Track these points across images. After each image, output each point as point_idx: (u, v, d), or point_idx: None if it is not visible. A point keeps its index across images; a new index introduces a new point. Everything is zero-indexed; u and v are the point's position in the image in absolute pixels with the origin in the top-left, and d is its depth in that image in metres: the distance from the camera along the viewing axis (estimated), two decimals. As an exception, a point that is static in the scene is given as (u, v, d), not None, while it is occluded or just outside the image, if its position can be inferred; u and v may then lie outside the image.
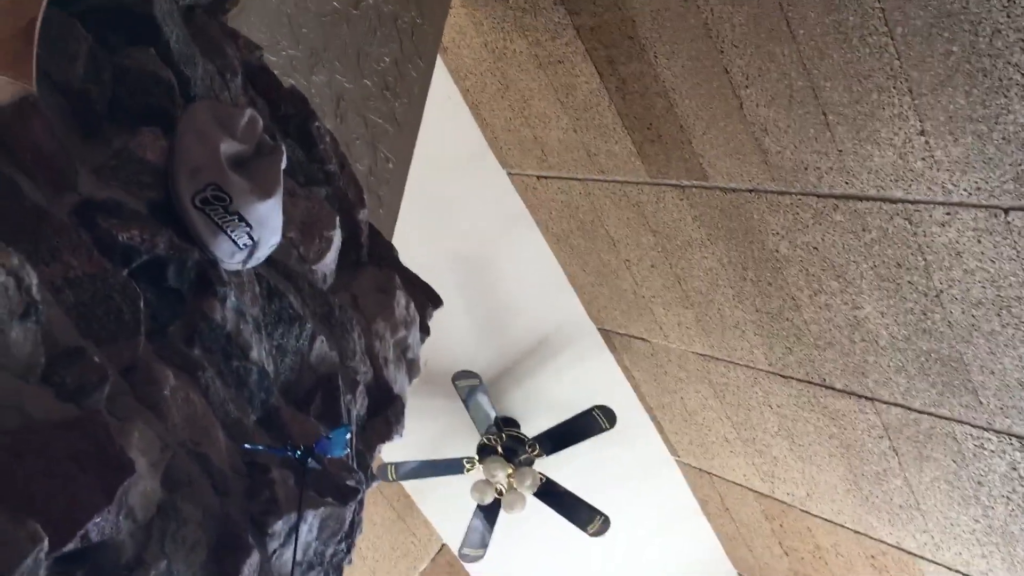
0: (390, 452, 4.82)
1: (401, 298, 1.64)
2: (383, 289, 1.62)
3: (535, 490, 4.23)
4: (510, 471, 4.21)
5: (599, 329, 4.10)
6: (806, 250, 2.80)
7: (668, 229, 3.23)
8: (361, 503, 1.28)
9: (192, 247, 1.14)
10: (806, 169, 2.57)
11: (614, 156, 3.15)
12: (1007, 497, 2.78)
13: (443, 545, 4.92)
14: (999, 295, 2.39)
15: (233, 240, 1.16)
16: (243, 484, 1.11)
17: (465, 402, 4.21)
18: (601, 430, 4.13)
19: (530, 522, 4.71)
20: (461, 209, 3.71)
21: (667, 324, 3.66)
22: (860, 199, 2.52)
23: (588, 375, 4.27)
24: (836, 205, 2.59)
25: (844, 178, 2.50)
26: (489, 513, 4.35)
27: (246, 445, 1.10)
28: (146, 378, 1.03)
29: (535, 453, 4.30)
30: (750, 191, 2.80)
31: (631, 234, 3.41)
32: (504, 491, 4.22)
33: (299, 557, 1.13)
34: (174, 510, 0.98)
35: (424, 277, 1.86)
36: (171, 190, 1.14)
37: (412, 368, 1.67)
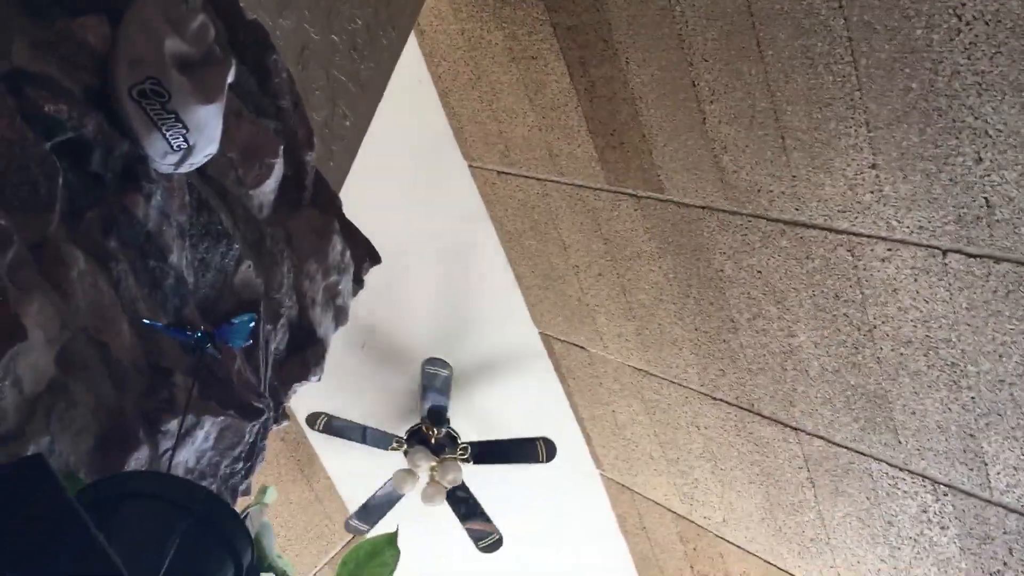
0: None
1: (337, 244, 1.63)
2: (320, 232, 1.61)
3: (451, 487, 4.21)
4: (434, 463, 4.18)
5: (540, 333, 4.10)
6: (750, 273, 2.83)
7: (620, 238, 3.25)
8: (265, 429, 1.26)
9: (123, 138, 1.12)
10: (759, 191, 2.61)
11: (575, 159, 3.17)
12: (914, 539, 2.82)
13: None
14: (928, 336, 2.43)
15: (167, 139, 1.14)
16: (143, 382, 1.08)
17: (424, 388, 4.19)
18: (537, 461, 4.11)
19: (436, 523, 4.66)
20: (414, 190, 3.70)
21: (607, 335, 3.67)
22: (807, 226, 2.55)
23: (523, 379, 4.27)
24: (783, 230, 2.63)
25: (794, 204, 2.54)
26: (394, 498, 4.32)
27: (145, 320, 1.07)
28: (55, 256, 1.00)
29: (462, 457, 4.27)
30: (703, 208, 2.83)
31: (583, 240, 3.42)
32: (426, 482, 4.19)
33: (192, 464, 1.10)
34: (64, 391, 0.95)
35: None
36: (109, 78, 1.12)
37: (340, 315, 1.65)
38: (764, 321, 2.89)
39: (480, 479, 4.48)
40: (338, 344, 1.78)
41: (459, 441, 4.29)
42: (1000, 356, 2.29)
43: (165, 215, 1.18)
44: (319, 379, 1.55)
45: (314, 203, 1.68)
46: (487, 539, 4.38)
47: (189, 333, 1.11)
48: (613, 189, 3.12)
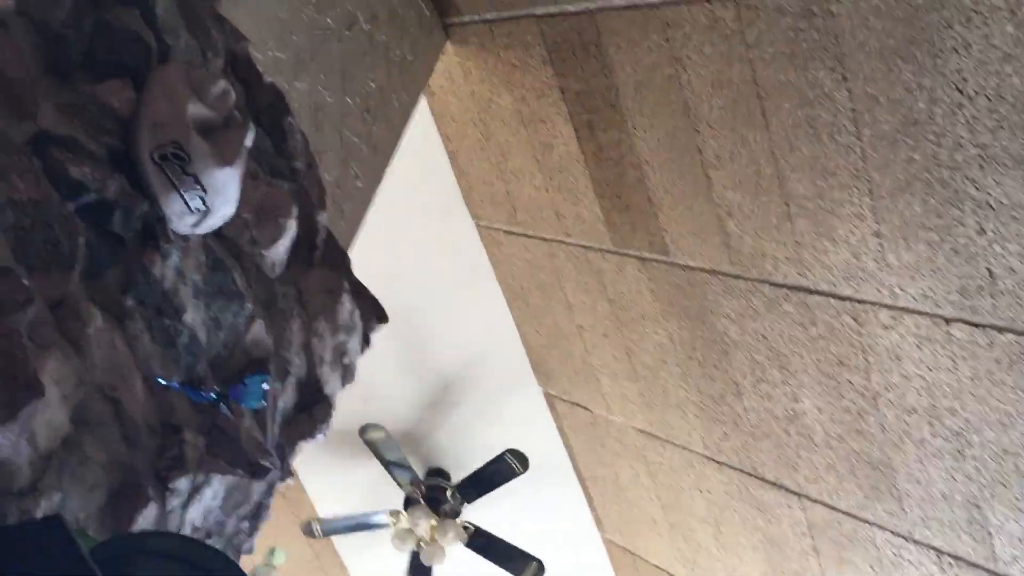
0: (323, 505, 4.76)
1: (347, 303, 1.65)
2: (330, 291, 1.63)
3: (465, 541, 4.18)
4: (434, 522, 4.15)
5: (544, 392, 4.10)
6: (755, 337, 2.84)
7: (625, 300, 3.27)
8: (271, 488, 1.27)
9: (143, 199, 1.14)
10: (764, 256, 2.63)
11: (582, 220, 3.20)
12: (919, 610, 2.79)
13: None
14: (933, 404, 2.43)
15: (186, 201, 1.17)
16: (155, 441, 1.10)
17: (377, 456, 4.18)
18: (515, 474, 4.11)
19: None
20: (423, 248, 3.74)
21: (611, 396, 3.67)
22: (811, 292, 2.57)
23: (527, 439, 4.25)
24: (788, 296, 2.65)
25: (798, 269, 2.56)
26: (423, 570, 4.28)
27: (160, 379, 1.09)
28: (73, 314, 1.02)
29: (458, 502, 4.26)
30: (708, 271, 2.85)
31: (588, 300, 3.44)
32: (425, 543, 4.16)
33: (199, 522, 1.11)
34: (78, 447, 0.97)
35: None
36: (131, 140, 1.15)
37: (347, 373, 1.67)
38: (768, 386, 2.90)
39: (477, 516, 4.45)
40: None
41: (447, 488, 4.28)
42: (1004, 426, 2.29)
43: (181, 274, 1.21)
44: (324, 437, 1.56)
45: (325, 262, 1.71)
46: (528, 569, 4.30)
47: (204, 394, 1.13)
48: (619, 251, 3.15)
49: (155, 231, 1.16)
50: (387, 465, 4.20)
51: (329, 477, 4.69)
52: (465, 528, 4.24)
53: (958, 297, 2.22)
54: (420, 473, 4.46)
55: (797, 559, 3.20)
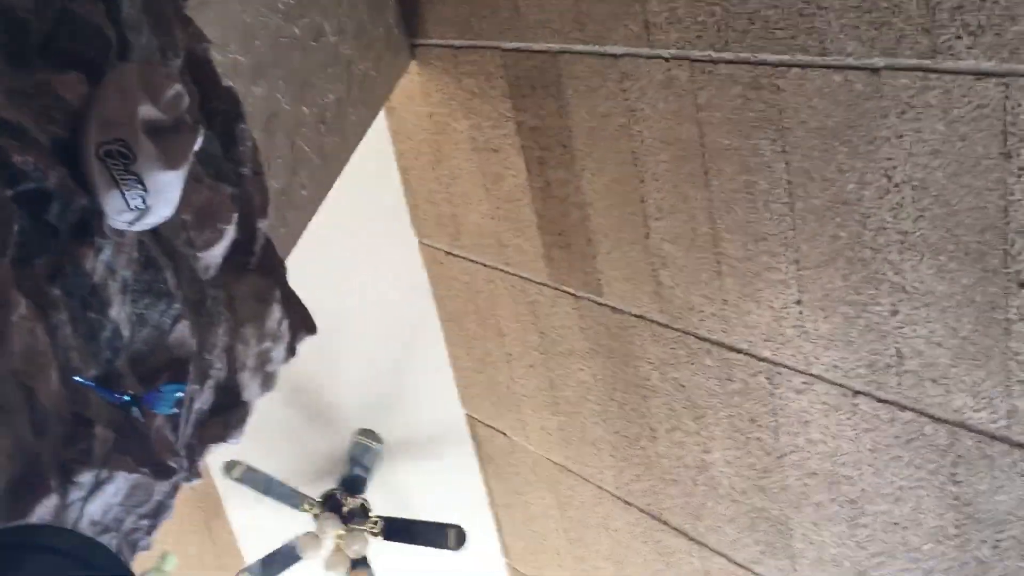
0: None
1: (276, 312, 1.67)
2: (261, 298, 1.65)
3: (381, 535, 4.16)
4: (341, 532, 4.14)
5: (466, 415, 4.14)
6: (674, 385, 2.92)
7: (555, 334, 3.33)
8: (175, 489, 1.28)
9: (83, 192, 1.16)
10: (691, 309, 2.71)
11: (523, 252, 3.26)
12: (800, 668, 2.87)
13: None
14: (833, 470, 2.53)
15: (125, 199, 1.19)
16: (63, 431, 1.11)
17: (351, 457, 4.19)
18: (446, 548, 4.10)
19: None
20: (363, 261, 3.76)
21: (531, 425, 3.73)
22: (732, 349, 2.66)
23: (443, 459, 4.28)
24: (710, 350, 2.73)
25: (722, 326, 2.64)
26: (292, 559, 4.26)
27: (77, 377, 1.10)
28: (-3, 299, 1.03)
29: (373, 530, 4.24)
30: (638, 316, 2.93)
31: (520, 330, 3.49)
32: (332, 550, 4.15)
33: (98, 517, 1.12)
34: (-17, 431, 0.98)
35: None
36: (79, 133, 1.17)
37: (268, 381, 1.69)
38: (682, 433, 2.97)
39: (386, 557, 4.44)
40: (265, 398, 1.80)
41: (371, 514, 4.27)
42: (897, 500, 2.39)
43: (111, 270, 1.23)
44: (238, 441, 1.57)
45: (260, 268, 1.73)
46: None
47: (117, 395, 1.14)
48: (555, 286, 3.21)
49: (90, 225, 1.18)
50: (350, 468, 4.19)
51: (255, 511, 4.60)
52: (374, 522, 4.22)
53: (867, 371, 2.32)
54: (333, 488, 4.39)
55: (691, 606, 3.27)
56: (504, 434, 3.95)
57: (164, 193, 1.23)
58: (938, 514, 2.32)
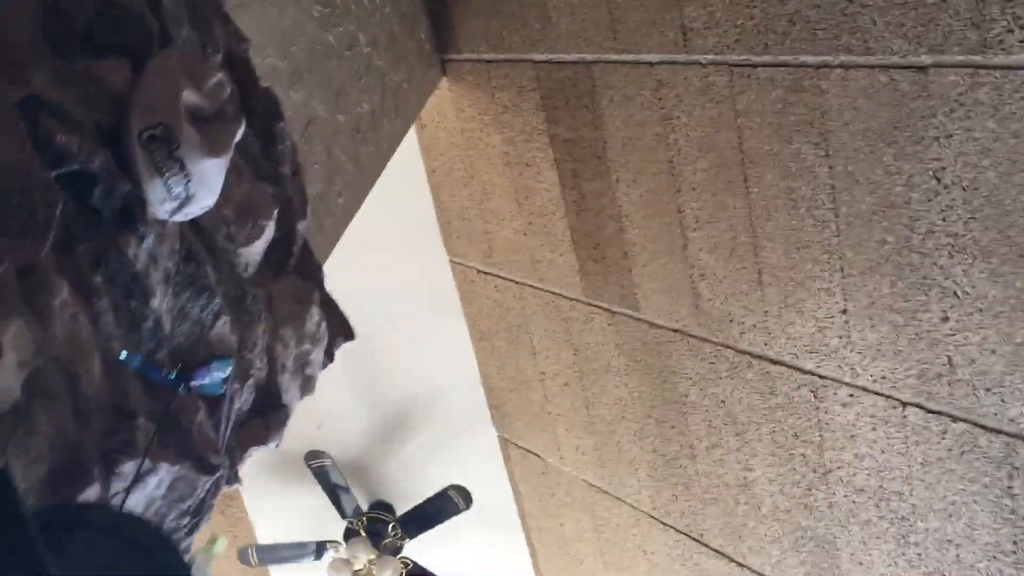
0: (263, 531, 4.67)
1: (315, 314, 1.64)
2: (300, 300, 1.62)
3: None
4: (373, 556, 4.09)
5: (498, 436, 4.08)
6: (714, 401, 2.86)
7: (589, 351, 3.28)
8: (217, 488, 1.25)
9: (126, 179, 1.14)
10: (731, 321, 2.66)
11: (556, 267, 3.22)
12: None
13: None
14: (881, 486, 2.45)
15: (168, 186, 1.16)
16: (106, 421, 1.07)
17: (322, 483, 4.13)
18: (459, 510, 4.08)
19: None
20: (395, 276, 3.74)
21: (565, 446, 3.66)
22: (774, 362, 2.60)
23: (477, 482, 4.22)
24: (751, 363, 2.67)
25: (764, 338, 2.58)
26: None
27: (125, 352, 1.07)
28: (40, 283, 1.01)
29: (399, 537, 4.20)
30: (675, 331, 2.87)
31: (553, 347, 3.44)
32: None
33: (140, 510, 1.09)
34: (28, 416, 0.94)
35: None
36: (122, 119, 1.14)
37: (307, 384, 1.65)
38: (722, 451, 2.90)
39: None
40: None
41: (389, 522, 4.24)
42: (949, 515, 2.31)
43: (154, 259, 1.20)
44: (277, 445, 1.53)
45: (298, 270, 1.70)
46: None
47: (164, 373, 1.11)
48: (589, 302, 3.16)
49: (134, 212, 1.15)
50: (331, 494, 4.15)
51: (271, 501, 4.62)
52: (404, 563, 4.18)
53: (916, 381, 2.25)
54: (364, 505, 4.40)
55: (733, 630, 3.18)
56: (537, 455, 3.89)
57: (206, 180, 1.20)
58: (993, 529, 2.23)
